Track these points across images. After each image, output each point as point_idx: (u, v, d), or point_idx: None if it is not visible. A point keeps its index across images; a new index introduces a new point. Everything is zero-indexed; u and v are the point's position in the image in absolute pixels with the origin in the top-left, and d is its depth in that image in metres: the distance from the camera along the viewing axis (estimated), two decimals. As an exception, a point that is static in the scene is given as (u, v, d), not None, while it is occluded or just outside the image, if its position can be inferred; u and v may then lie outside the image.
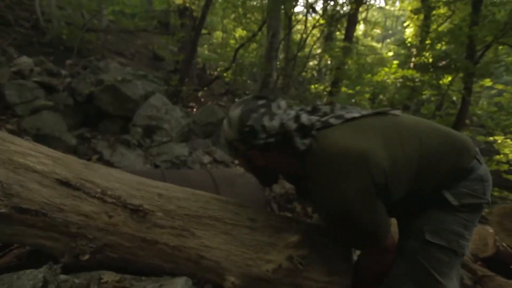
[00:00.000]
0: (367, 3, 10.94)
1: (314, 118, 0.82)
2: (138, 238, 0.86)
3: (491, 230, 1.95)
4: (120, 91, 3.53)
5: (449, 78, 6.42)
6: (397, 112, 0.89)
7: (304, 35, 8.17)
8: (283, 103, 0.85)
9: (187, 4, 5.52)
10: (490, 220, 2.07)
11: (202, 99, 7.25)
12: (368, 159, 0.74)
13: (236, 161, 3.64)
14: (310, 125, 0.80)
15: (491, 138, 5.53)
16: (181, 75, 5.91)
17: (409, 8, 8.60)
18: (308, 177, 0.80)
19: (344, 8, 8.76)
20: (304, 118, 0.81)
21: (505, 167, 5.21)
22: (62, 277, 0.78)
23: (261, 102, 0.82)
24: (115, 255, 0.86)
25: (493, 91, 9.00)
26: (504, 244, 1.89)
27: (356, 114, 0.84)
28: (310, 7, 6.05)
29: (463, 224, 0.82)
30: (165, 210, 0.91)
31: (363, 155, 0.74)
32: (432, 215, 0.84)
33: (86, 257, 0.82)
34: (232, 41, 9.54)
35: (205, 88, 7.42)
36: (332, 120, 0.82)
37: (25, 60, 3.78)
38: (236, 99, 8.08)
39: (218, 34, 10.60)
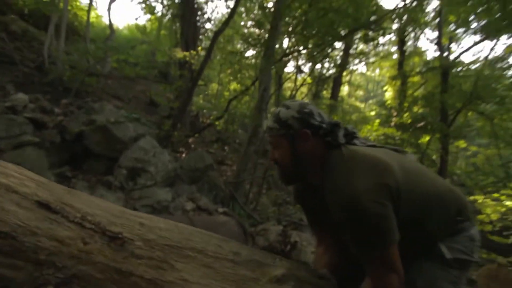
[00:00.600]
0: (350, 67, 12.31)
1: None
2: (112, 269, 0.80)
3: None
4: (111, 132, 3.58)
5: (427, 138, 6.91)
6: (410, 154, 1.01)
7: (294, 92, 8.90)
8: None
9: (187, 59, 6.06)
10: (478, 283, 2.03)
11: (193, 145, 7.36)
12: (388, 168, 0.81)
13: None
14: (352, 132, 0.94)
15: (471, 198, 5.71)
16: (174, 120, 6.11)
17: (387, 74, 9.73)
18: (328, 178, 0.86)
19: (330, 71, 9.79)
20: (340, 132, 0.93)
21: (489, 227, 5.26)
22: None
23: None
24: (82, 289, 0.78)
25: (469, 152, 9.62)
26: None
27: (376, 144, 0.98)
28: (297, 68, 6.74)
29: (453, 282, 0.85)
30: (145, 240, 0.87)
31: (385, 164, 0.82)
32: (425, 268, 0.86)
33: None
34: (226, 93, 10.19)
35: (197, 135, 7.61)
36: (357, 141, 0.93)
37: (20, 97, 3.88)
38: (226, 147, 8.25)
39: (214, 86, 11.35)
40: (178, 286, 0.80)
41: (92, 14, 9.64)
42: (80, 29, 9.27)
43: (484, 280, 1.95)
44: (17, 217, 0.81)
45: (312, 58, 6.73)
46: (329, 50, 7.91)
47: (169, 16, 9.16)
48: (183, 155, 6.04)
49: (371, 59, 12.66)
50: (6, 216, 0.80)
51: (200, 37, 8.51)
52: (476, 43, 8.15)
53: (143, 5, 8.32)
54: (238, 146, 7.97)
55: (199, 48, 6.99)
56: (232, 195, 3.90)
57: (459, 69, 7.29)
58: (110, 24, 8.54)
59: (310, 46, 5.61)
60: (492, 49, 10.91)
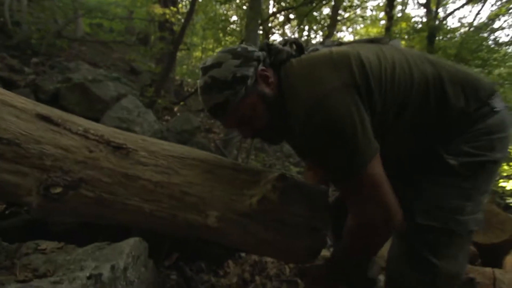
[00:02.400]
0: (337, 34, 12.14)
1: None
2: (119, 174, 0.85)
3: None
4: (89, 90, 3.45)
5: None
6: (392, 41, 0.81)
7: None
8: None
9: (167, 17, 5.74)
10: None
11: (178, 114, 7.25)
12: (350, 56, 0.67)
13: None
14: (299, 44, 0.78)
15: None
16: (157, 86, 5.93)
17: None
18: (288, 99, 0.71)
19: (317, 36, 9.63)
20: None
21: None
22: None
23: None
24: (91, 194, 0.83)
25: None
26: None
27: (343, 42, 0.81)
28: (286, 20, 6.59)
29: (464, 195, 0.69)
30: (148, 151, 0.92)
31: (346, 53, 0.68)
32: (424, 187, 0.71)
33: (58, 190, 0.79)
34: (211, 60, 9.87)
35: (182, 103, 7.46)
36: (319, 47, 0.78)
37: (-15, 55, 3.61)
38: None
39: (198, 54, 10.94)
40: (183, 187, 0.87)
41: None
42: (44, -13, 8.41)
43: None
44: (18, 126, 0.83)
45: (299, 20, 6.56)
46: (317, 13, 7.73)
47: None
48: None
49: (359, 26, 12.50)
50: (7, 125, 0.81)
51: (180, -3, 8.00)
52: (462, 6, 8.18)
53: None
54: (225, 114, 7.90)
55: (179, 5, 6.60)
56: (223, 154, 3.98)
57: (445, 35, 7.40)
58: (78, -19, 7.78)
59: (293, 6, 5.45)
60: (478, 13, 10.97)
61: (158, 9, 5.38)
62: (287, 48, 0.78)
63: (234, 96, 0.70)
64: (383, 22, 11.30)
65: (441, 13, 9.60)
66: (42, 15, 6.44)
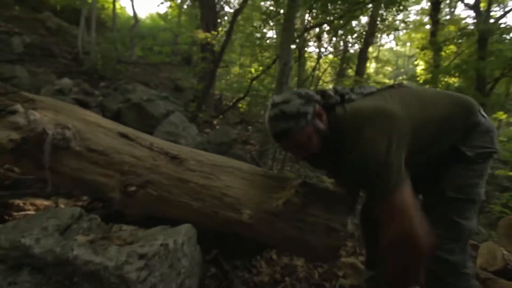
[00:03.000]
0: (377, 42, 11.78)
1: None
2: (174, 177, 1.11)
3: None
4: (144, 108, 4.00)
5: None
6: (405, 84, 1.10)
7: (317, 72, 8.86)
8: None
9: (209, 39, 6.32)
10: (498, 233, 2.11)
11: (217, 127, 7.75)
12: (394, 114, 0.88)
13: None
14: (341, 92, 1.00)
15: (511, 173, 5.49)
16: (198, 102, 6.48)
17: (418, 46, 9.25)
18: (339, 140, 0.90)
19: (355, 46, 9.51)
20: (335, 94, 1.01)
21: None
22: (93, 215, 1.00)
23: None
24: (154, 192, 1.09)
25: (512, 126, 9.02)
26: (512, 257, 1.91)
27: (373, 89, 1.05)
28: (316, 37, 6.69)
29: (478, 175, 0.99)
30: (196, 160, 1.17)
31: (390, 111, 0.88)
32: (452, 173, 1.00)
33: (133, 188, 1.07)
34: (248, 76, 10.37)
35: (221, 116, 7.96)
36: (353, 96, 0.99)
37: (66, 81, 4.44)
38: (249, 127, 8.56)
39: (236, 70, 11.57)
40: (223, 189, 1.09)
41: (116, 6, 10.17)
42: (106, 21, 9.87)
43: (503, 230, 2.05)
44: (107, 142, 1.14)
45: (334, 32, 6.64)
46: (354, 23, 7.71)
47: (188, 1, 9.39)
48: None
49: (401, 32, 12.00)
50: (99, 141, 1.13)
51: (220, 20, 8.69)
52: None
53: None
54: (262, 126, 8.20)
55: (220, 29, 7.20)
56: (257, 164, 4.19)
57: (501, 35, 6.79)
58: (134, 13, 9.01)
59: (331, 18, 5.57)
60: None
61: (201, 34, 5.97)
62: (336, 96, 1.00)
63: (296, 126, 0.88)
64: (428, 26, 10.73)
65: (496, 13, 8.82)
66: (105, 44, 7.57)
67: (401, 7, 5.31)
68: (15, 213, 1.62)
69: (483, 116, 1.02)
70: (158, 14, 12.30)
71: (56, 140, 1.04)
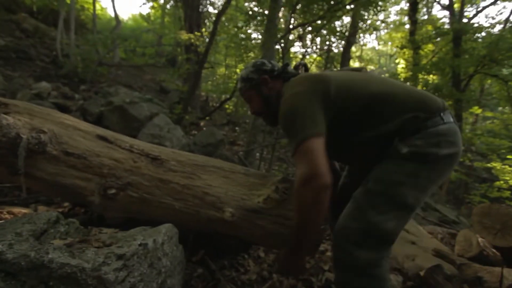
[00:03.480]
0: (360, 42, 12.07)
1: None
2: (155, 179, 1.10)
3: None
4: (127, 111, 3.93)
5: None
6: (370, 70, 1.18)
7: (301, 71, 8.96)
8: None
9: (192, 40, 6.27)
10: (472, 220, 2.22)
11: (204, 128, 7.70)
12: (322, 78, 0.97)
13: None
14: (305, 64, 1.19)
15: (488, 165, 5.76)
16: (184, 104, 6.42)
17: (398, 45, 9.56)
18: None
19: (339, 46, 9.70)
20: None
21: (507, 193, 5.35)
22: (71, 219, 0.98)
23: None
24: (135, 194, 1.09)
25: (488, 121, 9.48)
26: (487, 244, 2.03)
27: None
28: (298, 38, 6.80)
29: (407, 173, 0.91)
30: (177, 160, 1.17)
31: (320, 75, 0.99)
32: (381, 166, 0.95)
33: (113, 191, 1.06)
34: (234, 77, 10.36)
35: (207, 118, 7.92)
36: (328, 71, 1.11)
37: (44, 85, 4.29)
38: (237, 128, 8.56)
39: (221, 70, 11.54)
40: (204, 189, 1.10)
41: (97, 7, 9.91)
42: (86, 22, 9.60)
43: (477, 218, 2.16)
44: (85, 145, 1.12)
45: (317, 32, 6.75)
46: (337, 23, 7.86)
47: (171, 2, 9.29)
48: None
49: (382, 32, 12.34)
50: (77, 144, 1.12)
51: (204, 21, 8.64)
52: (492, 3, 7.81)
53: (146, -8, 8.48)
54: (249, 126, 8.22)
55: (203, 29, 7.16)
56: (244, 164, 4.21)
57: (473, 35, 7.12)
58: (116, 15, 8.81)
59: (313, 18, 5.67)
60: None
61: (184, 35, 5.92)
62: (293, 70, 1.14)
63: (244, 87, 1.14)
64: (407, 26, 11.09)
65: (469, 13, 9.24)
66: (85, 47, 7.36)
67: (378, 8, 5.48)
68: (-9, 222, 1.56)
69: (441, 119, 0.93)
70: (141, 15, 12.09)
71: (31, 145, 1.01)
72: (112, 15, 9.27)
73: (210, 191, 1.09)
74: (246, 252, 1.89)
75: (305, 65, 1.22)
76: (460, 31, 6.49)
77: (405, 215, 0.93)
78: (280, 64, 1.20)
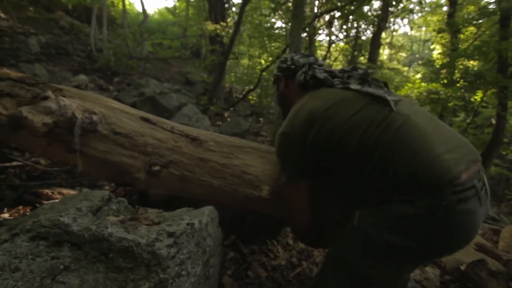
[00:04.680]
0: (391, 27, 11.42)
1: (327, 75, 1.00)
2: (195, 157, 1.16)
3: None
4: (158, 101, 4.10)
5: (480, 95, 6.38)
6: (397, 106, 0.86)
7: (328, 61, 8.70)
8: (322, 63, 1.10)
9: (218, 31, 6.33)
10: (501, 240, 2.06)
11: (229, 119, 7.81)
12: (308, 115, 0.90)
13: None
14: (313, 77, 1.01)
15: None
16: (209, 95, 6.55)
17: (435, 28, 8.90)
18: None
19: (367, 32, 9.26)
20: (318, 72, 1.01)
21: None
22: (121, 198, 1.06)
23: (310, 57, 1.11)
24: (177, 172, 1.15)
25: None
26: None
27: (355, 87, 0.93)
28: (328, 23, 6.57)
29: (358, 251, 0.82)
30: (216, 141, 1.22)
31: (306, 113, 0.91)
32: (342, 233, 0.89)
33: (157, 168, 1.13)
34: (257, 67, 10.33)
35: (232, 109, 8.01)
36: (335, 82, 0.98)
37: (82, 77, 4.60)
38: (260, 119, 8.58)
39: (245, 61, 11.54)
40: (242, 167, 1.14)
41: (125, 2, 10.30)
42: (116, 17, 10.03)
43: (507, 239, 2.01)
44: (131, 126, 1.20)
45: (346, 18, 6.49)
46: (366, 8, 7.49)
47: (196, -7, 9.38)
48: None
49: (416, 16, 11.55)
50: (124, 125, 1.19)
51: (228, 11, 8.65)
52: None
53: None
54: (273, 117, 8.20)
55: (228, 20, 7.18)
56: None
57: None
58: (143, 9, 9.10)
59: (342, 3, 5.45)
60: None
61: (210, 26, 5.99)
62: (321, 76, 1.02)
63: (273, 80, 1.19)
64: (445, 8, 10.27)
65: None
66: (117, 41, 7.72)
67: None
68: (45, 202, 1.73)
69: (457, 202, 0.72)
70: (167, 9, 12.39)
71: (84, 124, 1.10)
72: (139, 10, 9.61)
73: (248, 170, 1.13)
74: (275, 239, 1.93)
75: (332, 77, 1.03)
76: (509, 11, 5.88)
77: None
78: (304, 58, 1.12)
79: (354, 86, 0.93)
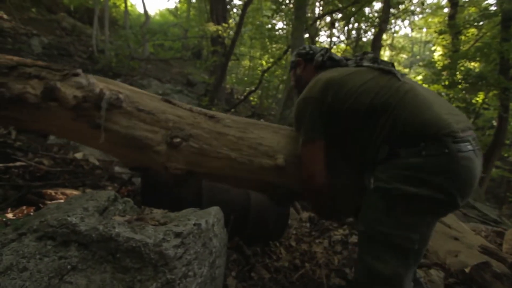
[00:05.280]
0: (392, 29, 11.44)
1: (342, 58, 1.19)
2: (213, 132, 1.25)
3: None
4: (161, 102, 4.11)
5: (482, 96, 6.38)
6: (402, 76, 1.00)
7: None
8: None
9: (220, 32, 6.35)
10: (505, 241, 2.05)
11: (229, 120, 7.82)
12: (323, 86, 1.02)
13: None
14: (330, 58, 1.19)
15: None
16: (211, 96, 6.56)
17: (436, 30, 8.91)
18: None
19: (368, 34, 9.28)
20: (334, 54, 1.20)
21: None
22: (126, 199, 1.09)
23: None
24: (196, 145, 1.22)
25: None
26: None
27: (367, 64, 1.08)
28: (330, 24, 6.59)
29: (380, 210, 0.88)
30: (231, 119, 1.31)
31: (322, 82, 1.03)
32: (364, 199, 0.96)
33: (178, 139, 1.20)
34: (258, 69, 10.36)
35: (233, 110, 8.03)
36: (349, 62, 1.14)
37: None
38: (261, 120, 8.60)
39: (246, 63, 11.57)
40: (257, 140, 1.23)
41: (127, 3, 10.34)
42: (118, 19, 10.08)
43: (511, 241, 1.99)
44: (152, 104, 1.29)
45: (348, 19, 6.50)
46: (367, 10, 7.51)
47: (197, -5, 9.41)
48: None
49: (416, 18, 11.58)
50: (146, 103, 1.29)
51: (230, 11, 8.68)
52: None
53: (173, -13, 8.67)
54: (273, 118, 8.21)
55: (230, 21, 7.20)
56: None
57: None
58: (145, 10, 9.17)
59: (343, 5, 5.46)
60: None
61: (212, 27, 6.01)
62: (334, 57, 1.20)
63: (291, 66, 1.33)
64: (446, 10, 10.29)
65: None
66: (118, 42, 7.74)
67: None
68: (48, 202, 1.73)
69: (446, 147, 0.83)
70: (168, 10, 12.45)
71: (111, 99, 1.18)
72: (141, 11, 9.66)
73: (263, 142, 1.22)
74: (277, 241, 1.93)
75: (345, 58, 1.21)
76: (510, 12, 5.89)
77: (402, 256, 0.86)
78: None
79: (366, 63, 1.08)
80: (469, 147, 0.84)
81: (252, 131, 1.24)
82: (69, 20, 8.68)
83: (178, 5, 11.61)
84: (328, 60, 1.17)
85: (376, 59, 1.08)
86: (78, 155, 2.80)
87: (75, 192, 1.96)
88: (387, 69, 1.01)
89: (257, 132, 1.24)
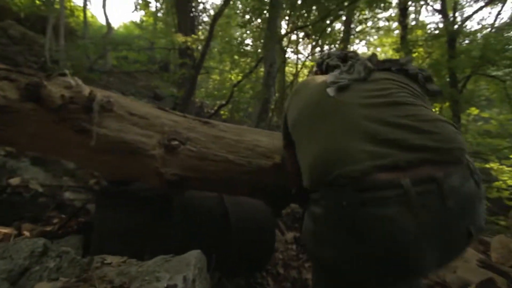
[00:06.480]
0: (351, 47, 12.73)
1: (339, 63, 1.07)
2: (210, 135, 1.34)
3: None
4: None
5: (437, 108, 7.38)
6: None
7: (295, 77, 9.41)
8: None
9: (189, 43, 6.56)
10: (509, 223, 2.12)
11: (200, 135, 7.86)
12: (292, 92, 1.05)
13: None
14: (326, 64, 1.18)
15: (487, 165, 6.12)
16: (180, 110, 6.59)
17: (390, 52, 10.20)
18: None
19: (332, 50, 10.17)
20: (331, 60, 1.11)
21: (506, 193, 5.67)
22: (65, 248, 0.82)
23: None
24: (194, 149, 1.30)
25: (480, 123, 10.07)
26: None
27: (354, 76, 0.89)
28: (305, 35, 7.21)
29: (306, 233, 0.73)
30: (225, 125, 1.44)
31: (292, 93, 1.04)
32: None
33: (176, 142, 1.25)
34: (228, 83, 10.68)
35: (204, 124, 8.10)
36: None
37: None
38: (234, 134, 8.78)
39: (215, 77, 11.86)
40: (254, 142, 1.36)
41: (87, 14, 10.18)
42: (76, 29, 9.83)
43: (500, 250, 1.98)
44: (145, 109, 1.36)
45: (314, 34, 7.18)
46: (328, 29, 8.39)
47: (163, 9, 9.64)
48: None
49: (372, 38, 13.13)
50: (139, 108, 1.34)
51: (197, 26, 9.01)
52: (480, 8, 8.55)
53: (139, 0, 8.83)
54: (246, 132, 8.42)
55: (199, 33, 7.48)
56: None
57: (465, 38, 7.75)
58: (107, 21, 9.09)
59: (308, 23, 6.09)
60: (498, 14, 11.29)
61: (180, 38, 6.20)
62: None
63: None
64: (397, 32, 11.87)
65: (458, 18, 10.02)
66: (77, 52, 7.53)
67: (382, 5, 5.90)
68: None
69: (336, 196, 0.61)
70: (133, 22, 12.42)
71: (102, 102, 1.21)
72: (103, 23, 9.56)
73: (260, 143, 1.35)
74: (263, 269, 1.81)
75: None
76: (454, 33, 7.07)
77: (327, 276, 0.71)
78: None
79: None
80: (393, 195, 0.57)
81: (247, 135, 1.36)
82: (18, 28, 8.24)
83: (144, 18, 11.70)
84: (324, 65, 1.11)
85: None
86: (15, 181, 2.29)
87: (4, 231, 1.59)
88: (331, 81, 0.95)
89: (251, 135, 1.36)
